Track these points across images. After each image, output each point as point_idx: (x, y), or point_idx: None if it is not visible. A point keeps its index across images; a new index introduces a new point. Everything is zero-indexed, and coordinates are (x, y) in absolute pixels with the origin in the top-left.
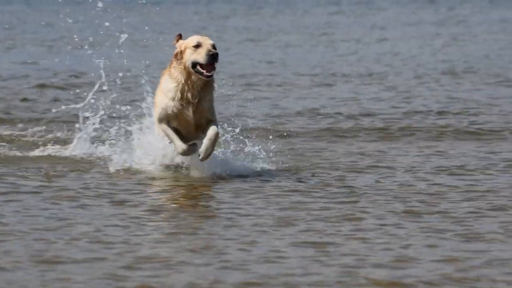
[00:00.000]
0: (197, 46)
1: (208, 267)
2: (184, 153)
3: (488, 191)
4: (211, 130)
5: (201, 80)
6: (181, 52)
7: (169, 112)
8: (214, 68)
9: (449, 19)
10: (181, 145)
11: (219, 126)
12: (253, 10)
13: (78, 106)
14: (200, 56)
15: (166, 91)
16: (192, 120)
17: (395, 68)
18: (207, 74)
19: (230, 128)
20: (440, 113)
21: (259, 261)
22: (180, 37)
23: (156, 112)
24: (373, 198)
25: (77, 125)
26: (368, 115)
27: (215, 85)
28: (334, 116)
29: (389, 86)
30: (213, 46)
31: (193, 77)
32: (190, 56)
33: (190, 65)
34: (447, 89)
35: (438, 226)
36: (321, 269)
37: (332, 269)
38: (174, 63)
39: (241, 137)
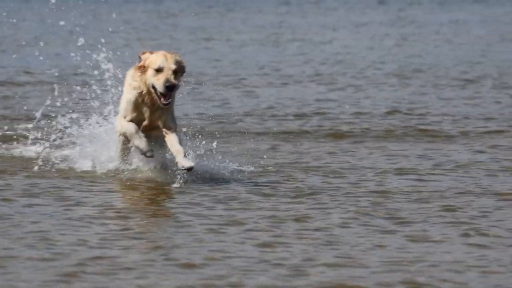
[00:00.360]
0: (159, 70)
1: (155, 268)
2: (147, 155)
3: (435, 191)
4: (176, 144)
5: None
6: (144, 67)
7: (131, 111)
8: (170, 97)
9: (398, 20)
10: (145, 145)
11: (180, 134)
12: (203, 9)
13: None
14: (158, 83)
15: (127, 100)
16: (147, 121)
17: (344, 69)
18: (164, 102)
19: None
20: (388, 113)
21: (206, 261)
22: (146, 53)
23: (121, 110)
24: (321, 198)
25: (30, 125)
26: (317, 114)
27: (176, 94)
28: (283, 116)
29: (337, 86)
30: (175, 72)
31: (152, 94)
32: (151, 78)
33: (150, 86)
34: (396, 89)
35: (387, 227)
36: (268, 268)
37: (279, 270)
38: (138, 73)
39: (187, 137)
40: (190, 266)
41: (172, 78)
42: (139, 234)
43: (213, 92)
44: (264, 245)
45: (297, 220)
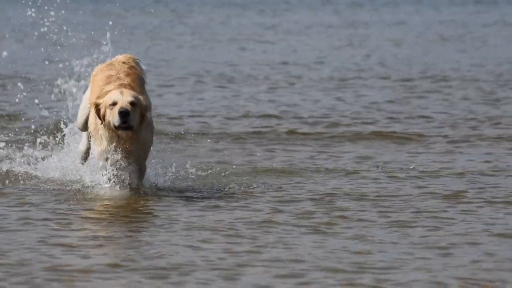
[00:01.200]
0: (113, 104)
1: (118, 274)
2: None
3: (374, 192)
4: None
5: (127, 136)
6: (104, 114)
7: (104, 156)
8: (130, 127)
9: (346, 22)
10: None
11: (144, 174)
12: (148, 9)
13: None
14: (114, 117)
15: (99, 153)
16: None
17: (288, 72)
18: (123, 133)
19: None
20: (326, 115)
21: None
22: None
23: (78, 117)
24: (266, 199)
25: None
26: (262, 116)
27: (152, 125)
28: (208, 117)
29: (273, 87)
30: (131, 102)
31: (120, 134)
32: (109, 118)
33: (113, 127)
34: (336, 91)
35: (332, 227)
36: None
37: (214, 272)
38: (101, 126)
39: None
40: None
41: (128, 107)
42: (107, 241)
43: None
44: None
45: (241, 220)
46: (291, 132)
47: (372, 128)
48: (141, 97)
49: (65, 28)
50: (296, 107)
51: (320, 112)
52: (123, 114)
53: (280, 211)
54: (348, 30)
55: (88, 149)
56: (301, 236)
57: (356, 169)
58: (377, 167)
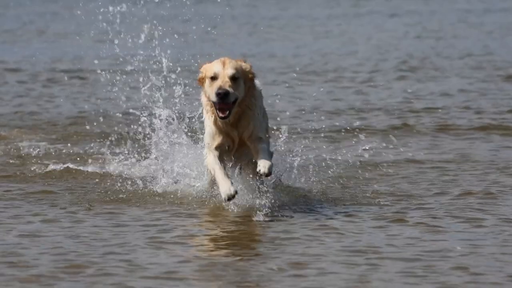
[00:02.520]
0: (214, 78)
1: None
2: (229, 198)
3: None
4: (261, 152)
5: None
6: (203, 79)
7: (213, 144)
8: (229, 107)
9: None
10: (228, 188)
11: (270, 145)
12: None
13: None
14: (211, 93)
15: (206, 126)
16: (234, 142)
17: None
18: (221, 115)
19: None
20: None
21: None
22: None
23: (205, 138)
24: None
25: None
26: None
27: (257, 92)
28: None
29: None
30: (232, 78)
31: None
32: (207, 89)
33: (208, 99)
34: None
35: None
36: None
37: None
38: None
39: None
40: None
41: (226, 85)
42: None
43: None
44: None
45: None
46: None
47: None
48: (244, 65)
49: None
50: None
51: None
52: (221, 96)
53: None
54: None
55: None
56: None
57: None
58: None
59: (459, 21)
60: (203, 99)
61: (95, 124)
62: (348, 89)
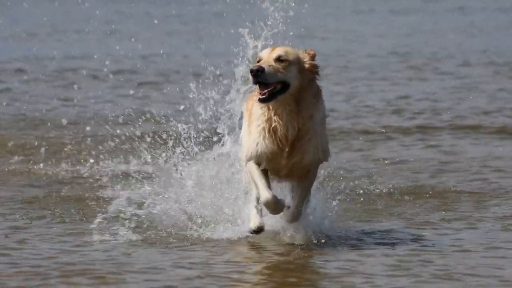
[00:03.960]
0: (258, 62)
1: None
2: (269, 206)
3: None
4: (301, 191)
5: (288, 103)
6: None
7: (259, 152)
8: (269, 87)
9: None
10: (266, 196)
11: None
12: None
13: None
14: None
15: (256, 121)
16: (285, 166)
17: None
18: (259, 97)
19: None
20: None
21: None
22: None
23: (245, 148)
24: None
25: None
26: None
27: (320, 94)
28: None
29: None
30: (278, 59)
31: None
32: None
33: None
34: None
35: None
36: None
37: None
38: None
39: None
40: None
41: (266, 64)
42: None
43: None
44: None
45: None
46: None
47: None
48: (301, 52)
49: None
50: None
51: None
52: (254, 73)
53: None
54: None
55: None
56: None
57: None
58: None
59: None
60: (247, 105)
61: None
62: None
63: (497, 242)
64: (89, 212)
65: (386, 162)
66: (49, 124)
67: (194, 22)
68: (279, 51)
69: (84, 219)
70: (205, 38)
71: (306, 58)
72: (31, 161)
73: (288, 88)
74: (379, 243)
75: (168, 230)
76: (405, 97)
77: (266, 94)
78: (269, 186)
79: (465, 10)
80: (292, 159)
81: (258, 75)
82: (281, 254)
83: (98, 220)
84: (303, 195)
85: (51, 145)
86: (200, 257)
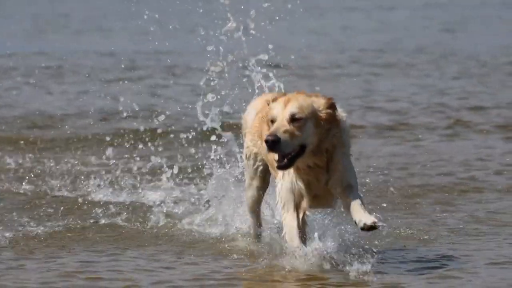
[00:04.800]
0: (273, 121)
1: None
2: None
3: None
4: (354, 205)
5: (309, 158)
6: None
7: (291, 197)
8: (287, 156)
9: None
10: (298, 246)
11: (358, 190)
12: None
13: None
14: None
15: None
16: (322, 194)
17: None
18: (278, 164)
19: None
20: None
21: None
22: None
23: (280, 198)
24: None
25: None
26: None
27: (343, 130)
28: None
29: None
30: (292, 118)
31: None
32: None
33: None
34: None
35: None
36: None
37: None
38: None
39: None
40: None
41: (281, 130)
42: None
43: None
44: None
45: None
46: None
47: None
48: (316, 101)
49: None
50: None
51: None
52: (269, 145)
53: None
54: None
55: (259, 195)
56: None
57: None
58: None
59: None
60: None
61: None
62: None
63: None
64: None
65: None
66: None
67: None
68: (292, 107)
69: None
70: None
71: (321, 107)
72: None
73: (305, 150)
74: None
75: None
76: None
77: (286, 161)
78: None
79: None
80: (325, 188)
81: (274, 146)
82: None
83: None
84: (359, 201)
85: None
86: None
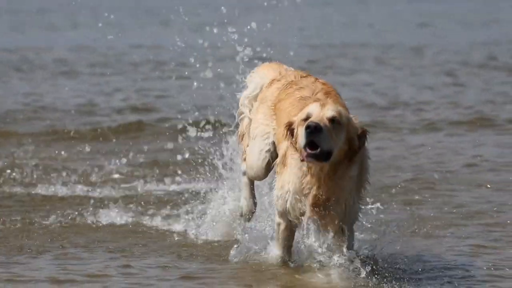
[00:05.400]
0: (306, 119)
1: None
2: (277, 264)
3: None
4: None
5: (326, 168)
6: (296, 136)
7: (289, 211)
8: (321, 155)
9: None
10: (281, 257)
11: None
12: None
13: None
14: (301, 134)
15: (292, 166)
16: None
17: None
18: (309, 151)
19: None
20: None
21: None
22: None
23: (278, 203)
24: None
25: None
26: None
27: (366, 161)
28: None
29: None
30: (332, 119)
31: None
32: (299, 139)
33: (300, 155)
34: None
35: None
36: None
37: None
38: (292, 155)
39: None
40: None
41: (321, 122)
42: None
43: None
44: None
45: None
46: None
47: None
48: (350, 115)
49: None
50: None
51: None
52: (311, 130)
53: None
54: None
55: (253, 204)
56: None
57: None
58: None
59: None
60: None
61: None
62: None
63: None
64: None
65: None
66: None
67: None
68: (332, 110)
69: None
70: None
71: (356, 130)
72: None
73: (331, 157)
74: None
75: None
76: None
77: (318, 151)
78: (288, 248)
79: None
80: (324, 219)
81: (316, 133)
82: None
83: None
84: (350, 237)
85: None
86: None
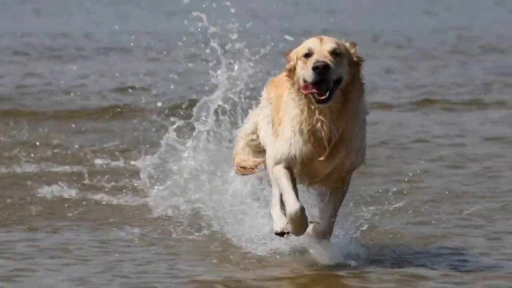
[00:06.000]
0: (308, 55)
1: None
2: (295, 220)
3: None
4: (334, 201)
5: (335, 101)
6: (293, 68)
7: (292, 155)
8: (328, 87)
9: None
10: (296, 208)
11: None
12: None
13: None
14: (306, 71)
15: (289, 119)
16: (322, 170)
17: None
18: (318, 98)
19: None
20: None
21: None
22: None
23: (273, 149)
24: None
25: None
26: None
27: (364, 91)
28: None
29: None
30: (333, 51)
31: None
32: (300, 72)
33: (301, 86)
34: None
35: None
36: None
37: None
38: (289, 86)
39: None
40: None
41: (326, 59)
42: None
43: None
44: None
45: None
46: None
47: None
48: (347, 44)
49: None
50: None
51: None
52: (319, 69)
53: None
54: None
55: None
56: None
57: None
58: None
59: None
60: (268, 94)
61: None
62: None
63: None
64: None
65: None
66: None
67: None
68: (331, 43)
69: None
70: None
71: (353, 50)
72: None
73: (340, 83)
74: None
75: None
76: None
77: (327, 95)
78: (298, 197)
79: None
80: (331, 164)
81: (325, 72)
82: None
83: None
84: (336, 206)
85: None
86: None
